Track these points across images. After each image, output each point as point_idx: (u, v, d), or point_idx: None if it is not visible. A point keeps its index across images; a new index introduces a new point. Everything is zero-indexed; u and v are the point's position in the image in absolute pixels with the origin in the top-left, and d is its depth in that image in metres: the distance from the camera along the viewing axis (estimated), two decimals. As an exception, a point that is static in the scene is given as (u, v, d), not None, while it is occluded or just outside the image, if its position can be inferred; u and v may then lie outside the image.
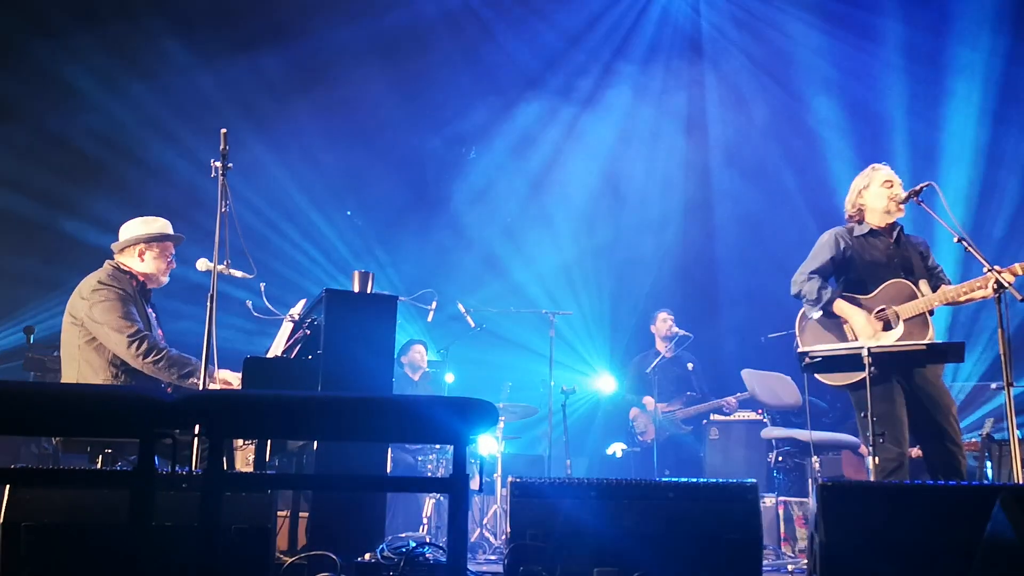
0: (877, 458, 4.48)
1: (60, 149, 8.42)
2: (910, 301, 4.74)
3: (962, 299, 4.67)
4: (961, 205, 8.58)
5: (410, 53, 9.68)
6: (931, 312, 4.71)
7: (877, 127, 9.20)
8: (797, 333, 5.03)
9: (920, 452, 4.91)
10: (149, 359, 4.52)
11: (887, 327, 4.75)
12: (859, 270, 4.91)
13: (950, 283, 4.94)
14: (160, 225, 4.94)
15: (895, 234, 4.96)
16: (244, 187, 8.38)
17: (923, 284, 4.81)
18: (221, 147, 4.31)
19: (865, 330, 4.75)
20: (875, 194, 4.95)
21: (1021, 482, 4.01)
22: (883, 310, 4.78)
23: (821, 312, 4.87)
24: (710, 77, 9.97)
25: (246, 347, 6.88)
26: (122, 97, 8.57)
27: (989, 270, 4.38)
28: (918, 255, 4.98)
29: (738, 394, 7.87)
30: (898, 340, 4.66)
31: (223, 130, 4.32)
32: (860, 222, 5.01)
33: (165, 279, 4.93)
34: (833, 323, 4.89)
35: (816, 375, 4.83)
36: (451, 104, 9.81)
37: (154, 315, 4.93)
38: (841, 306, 4.84)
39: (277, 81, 9.17)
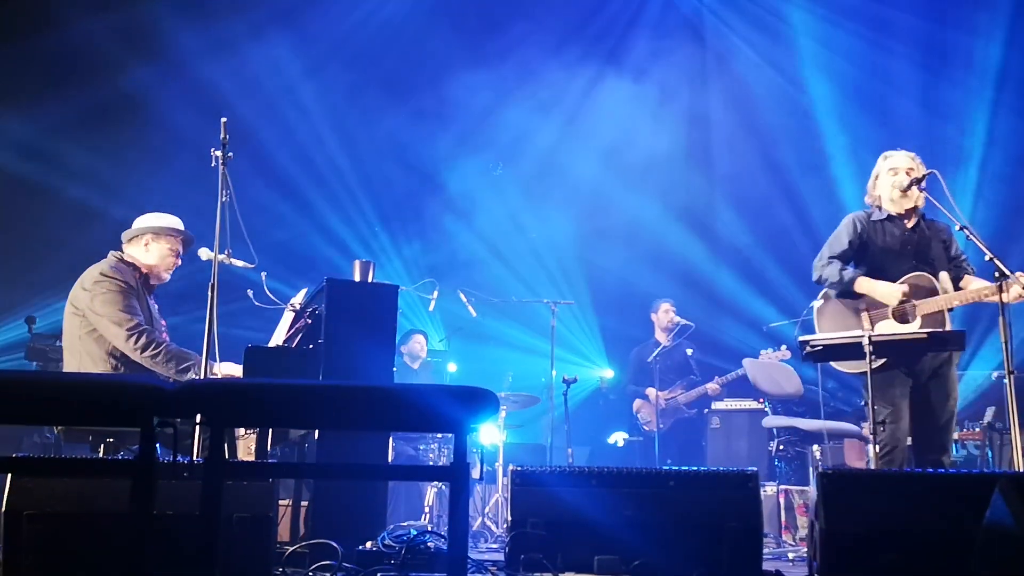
0: (878, 446, 4.51)
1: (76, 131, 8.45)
2: (930, 296, 4.71)
3: (982, 300, 4.64)
4: (964, 196, 8.55)
5: (412, 42, 9.67)
6: (950, 309, 4.70)
7: (880, 113, 9.17)
8: (816, 317, 4.99)
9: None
10: (147, 353, 4.52)
11: (904, 320, 4.73)
12: (873, 255, 4.89)
13: (974, 272, 4.92)
14: (172, 221, 4.94)
15: (914, 221, 4.94)
16: (246, 175, 8.37)
17: (943, 276, 4.77)
18: (221, 136, 4.29)
19: (892, 295, 4.71)
20: (883, 183, 4.96)
21: (1021, 470, 4.02)
22: (903, 302, 4.76)
23: (839, 291, 4.85)
24: (712, 64, 9.94)
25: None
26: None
27: (991, 259, 4.37)
28: (940, 243, 4.94)
29: (729, 376, 7.87)
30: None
31: (223, 119, 4.30)
32: (879, 208, 5.00)
33: (167, 275, 4.92)
34: (851, 307, 4.87)
35: (832, 363, 4.82)
36: (452, 93, 9.79)
37: (156, 308, 4.93)
38: (862, 283, 4.81)
39: (281, 68, 9.15)
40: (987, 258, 4.38)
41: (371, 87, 9.52)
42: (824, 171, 9.16)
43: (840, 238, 4.97)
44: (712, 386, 7.96)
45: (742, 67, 9.71)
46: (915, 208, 4.92)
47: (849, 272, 4.85)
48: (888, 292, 4.75)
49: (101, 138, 8.56)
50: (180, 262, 4.96)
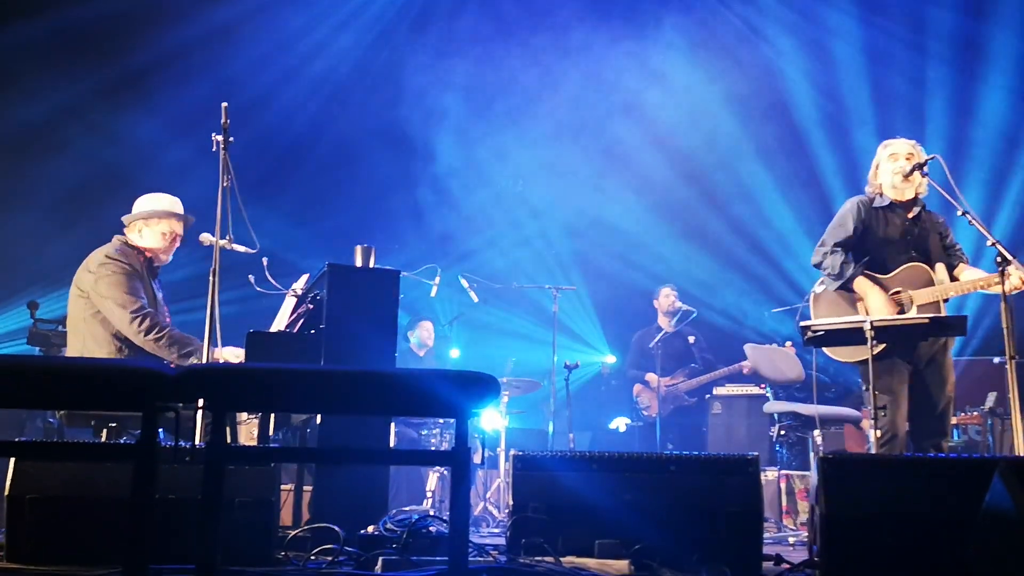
0: (878, 431, 4.52)
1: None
2: (926, 287, 4.71)
3: (980, 291, 4.65)
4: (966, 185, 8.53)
5: (407, 27, 9.64)
6: (945, 300, 4.70)
7: (888, 101, 9.13)
8: (811, 304, 4.99)
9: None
10: (150, 336, 4.53)
11: (900, 311, 4.73)
12: (873, 244, 4.87)
13: (967, 262, 4.92)
14: (167, 203, 4.92)
15: (915, 211, 4.92)
16: (248, 161, 8.34)
17: (940, 268, 4.77)
18: (222, 120, 4.28)
19: (880, 311, 4.70)
20: (883, 170, 4.94)
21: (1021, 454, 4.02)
22: (899, 292, 4.75)
23: (837, 285, 4.85)
24: (713, 52, 9.88)
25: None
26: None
27: (993, 243, 4.36)
28: (936, 235, 4.94)
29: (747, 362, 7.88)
30: (907, 321, 4.65)
31: (224, 104, 4.29)
32: (881, 196, 4.98)
33: (166, 257, 4.92)
34: (848, 297, 4.87)
35: (825, 350, 4.83)
36: (449, 75, 9.75)
37: (161, 293, 4.94)
38: (861, 284, 4.79)
39: (280, 57, 9.13)
40: (989, 243, 4.38)
41: (374, 68, 9.50)
42: (830, 160, 9.13)
43: (844, 224, 4.92)
44: (746, 364, 7.92)
45: (746, 58, 9.64)
46: (916, 197, 4.91)
47: (851, 267, 4.82)
48: (876, 307, 4.73)
49: (108, 118, 8.55)
50: (178, 243, 4.95)
